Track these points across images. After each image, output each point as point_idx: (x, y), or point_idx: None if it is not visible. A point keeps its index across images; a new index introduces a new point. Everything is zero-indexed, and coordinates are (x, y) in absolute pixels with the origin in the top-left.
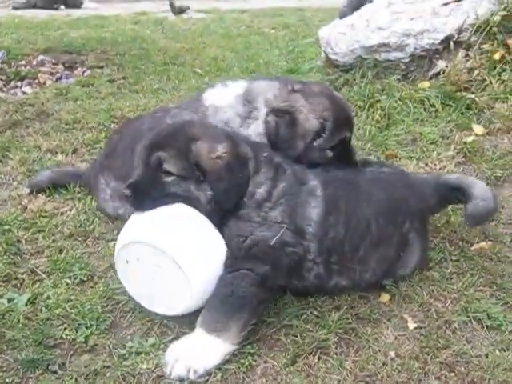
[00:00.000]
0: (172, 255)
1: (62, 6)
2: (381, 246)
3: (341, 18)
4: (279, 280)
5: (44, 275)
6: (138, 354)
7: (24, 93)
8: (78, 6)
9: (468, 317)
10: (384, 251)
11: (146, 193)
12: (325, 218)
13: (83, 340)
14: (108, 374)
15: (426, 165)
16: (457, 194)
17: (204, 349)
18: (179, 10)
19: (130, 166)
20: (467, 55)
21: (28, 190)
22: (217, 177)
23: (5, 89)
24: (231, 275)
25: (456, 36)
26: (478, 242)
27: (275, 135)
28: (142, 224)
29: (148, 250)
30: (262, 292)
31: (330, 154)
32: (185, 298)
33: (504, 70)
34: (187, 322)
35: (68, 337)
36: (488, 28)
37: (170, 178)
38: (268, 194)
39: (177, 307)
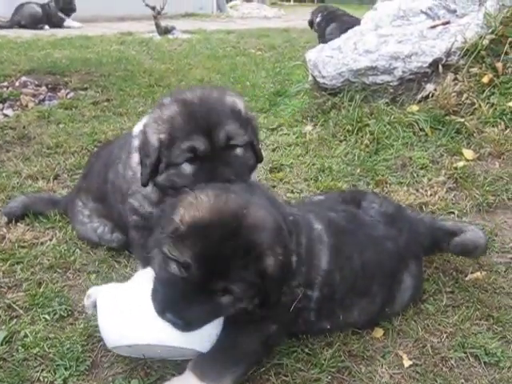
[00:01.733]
0: (193, 348)
1: (47, 26)
2: (364, 299)
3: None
4: (280, 338)
5: (21, 311)
6: None
7: (5, 115)
8: (59, 25)
9: (465, 353)
10: (367, 304)
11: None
12: (329, 265)
13: (62, 382)
14: None
15: (417, 191)
16: (450, 238)
17: None
18: (165, 31)
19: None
20: (456, 78)
21: (6, 219)
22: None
23: None
24: (236, 329)
25: (444, 59)
26: (472, 273)
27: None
28: (137, 320)
29: (159, 347)
30: (263, 350)
31: (186, 169)
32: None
33: (493, 94)
34: (173, 363)
35: (45, 379)
36: (476, 51)
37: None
38: (298, 262)
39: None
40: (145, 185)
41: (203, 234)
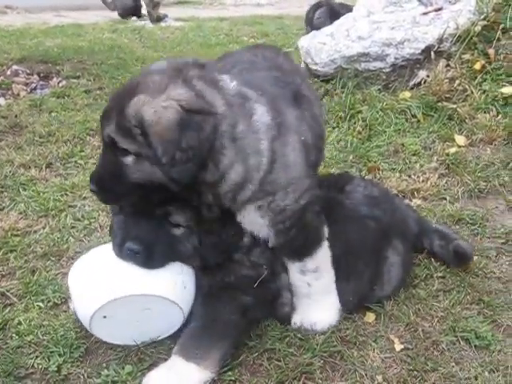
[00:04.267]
0: (160, 294)
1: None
2: (352, 281)
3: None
4: (259, 312)
5: (15, 299)
6: (114, 382)
7: None
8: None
9: (456, 336)
10: (356, 285)
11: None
12: None
13: (56, 369)
14: None
15: (409, 177)
16: (435, 236)
17: (182, 377)
18: (157, 19)
19: None
20: (448, 65)
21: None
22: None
23: None
24: (213, 302)
25: (437, 46)
26: None
27: None
28: (105, 279)
29: (131, 300)
30: (243, 323)
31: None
32: (178, 321)
33: (485, 80)
34: (166, 348)
35: (40, 366)
36: (468, 38)
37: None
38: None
39: (172, 329)
40: None
41: None
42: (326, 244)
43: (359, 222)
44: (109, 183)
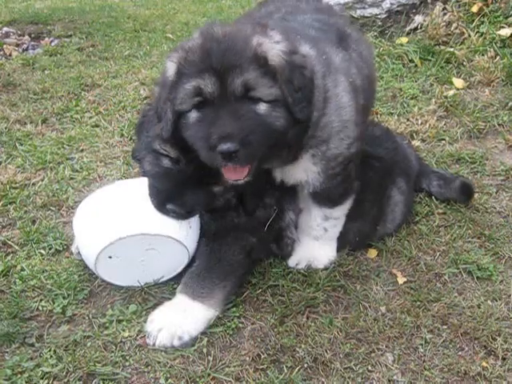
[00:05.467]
0: (166, 234)
1: None
2: (358, 221)
3: None
4: (262, 252)
5: (17, 247)
6: (119, 322)
7: None
8: None
9: (458, 269)
10: (361, 225)
11: None
12: None
13: (60, 311)
14: (88, 344)
15: (408, 120)
16: (433, 176)
17: (188, 315)
18: None
19: None
20: (444, 9)
21: None
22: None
23: None
24: (218, 243)
25: None
26: None
27: None
28: (112, 218)
29: (137, 240)
30: (248, 262)
31: (192, 117)
32: (183, 261)
33: (482, 23)
34: (170, 288)
35: (44, 308)
36: None
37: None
38: None
39: (176, 270)
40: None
41: None
42: (353, 197)
43: (364, 163)
44: (253, 137)
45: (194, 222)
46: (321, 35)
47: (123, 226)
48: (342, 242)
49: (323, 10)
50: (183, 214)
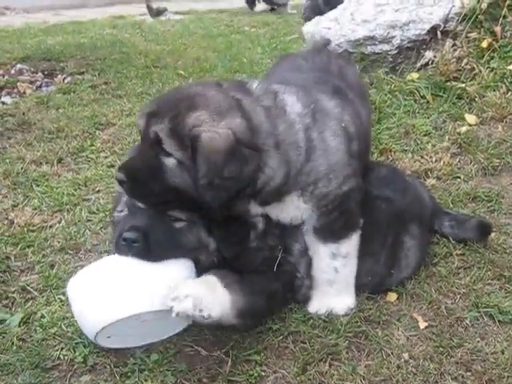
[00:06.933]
0: (153, 309)
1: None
2: (367, 262)
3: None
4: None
5: (36, 293)
6: (141, 371)
7: (3, 103)
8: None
9: (479, 312)
10: (372, 267)
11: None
12: None
13: (82, 360)
14: None
15: (422, 157)
16: (445, 217)
17: (216, 297)
18: (157, 13)
19: None
20: (455, 44)
21: None
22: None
23: None
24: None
25: (442, 26)
26: None
27: None
28: (99, 300)
29: (127, 320)
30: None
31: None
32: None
33: (492, 58)
34: (191, 335)
35: (66, 357)
36: (474, 16)
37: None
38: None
39: (182, 325)
40: None
41: None
42: (359, 233)
43: (371, 204)
44: (142, 177)
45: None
46: (312, 86)
47: (109, 310)
48: (356, 283)
49: (326, 69)
50: (139, 243)
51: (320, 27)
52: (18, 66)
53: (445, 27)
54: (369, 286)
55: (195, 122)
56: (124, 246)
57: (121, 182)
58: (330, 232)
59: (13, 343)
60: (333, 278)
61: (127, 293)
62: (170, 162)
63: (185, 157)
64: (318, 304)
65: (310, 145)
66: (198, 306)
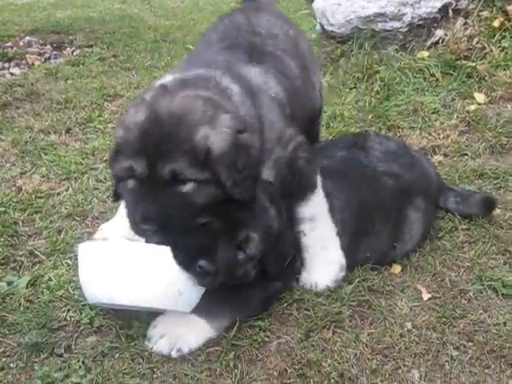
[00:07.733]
0: (148, 306)
1: None
2: (370, 236)
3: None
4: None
5: (43, 257)
6: (145, 334)
7: (12, 74)
8: None
9: (483, 285)
10: (375, 243)
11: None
12: None
13: (88, 321)
14: (116, 356)
15: (429, 134)
16: (450, 193)
17: (192, 330)
18: None
19: None
20: (466, 23)
21: None
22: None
23: None
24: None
25: (454, 4)
26: None
27: None
28: (104, 278)
29: (123, 306)
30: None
31: (129, 184)
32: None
33: (504, 37)
34: None
35: (72, 318)
36: None
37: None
38: None
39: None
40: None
41: None
42: (321, 193)
43: (376, 180)
44: (174, 218)
45: (187, 288)
46: (229, 58)
47: (106, 292)
48: (354, 258)
49: (237, 29)
50: (213, 275)
51: (330, 2)
52: (27, 38)
53: (456, 5)
54: (371, 260)
55: (204, 140)
56: (198, 273)
57: (152, 232)
58: (290, 196)
59: (20, 304)
60: (305, 243)
61: (134, 282)
62: (188, 188)
63: (203, 174)
64: (303, 279)
65: (262, 119)
66: (175, 344)
